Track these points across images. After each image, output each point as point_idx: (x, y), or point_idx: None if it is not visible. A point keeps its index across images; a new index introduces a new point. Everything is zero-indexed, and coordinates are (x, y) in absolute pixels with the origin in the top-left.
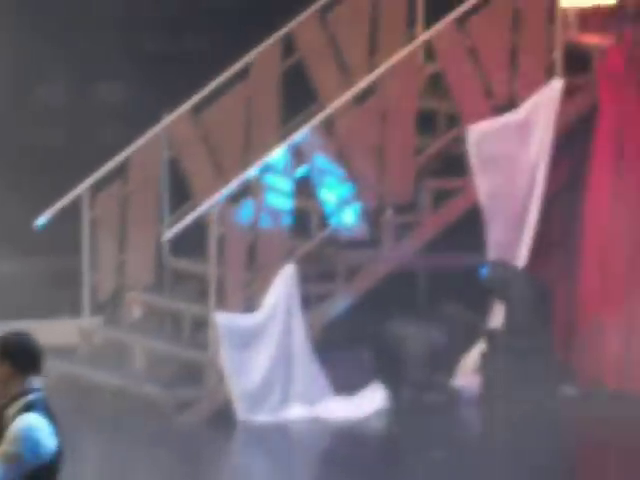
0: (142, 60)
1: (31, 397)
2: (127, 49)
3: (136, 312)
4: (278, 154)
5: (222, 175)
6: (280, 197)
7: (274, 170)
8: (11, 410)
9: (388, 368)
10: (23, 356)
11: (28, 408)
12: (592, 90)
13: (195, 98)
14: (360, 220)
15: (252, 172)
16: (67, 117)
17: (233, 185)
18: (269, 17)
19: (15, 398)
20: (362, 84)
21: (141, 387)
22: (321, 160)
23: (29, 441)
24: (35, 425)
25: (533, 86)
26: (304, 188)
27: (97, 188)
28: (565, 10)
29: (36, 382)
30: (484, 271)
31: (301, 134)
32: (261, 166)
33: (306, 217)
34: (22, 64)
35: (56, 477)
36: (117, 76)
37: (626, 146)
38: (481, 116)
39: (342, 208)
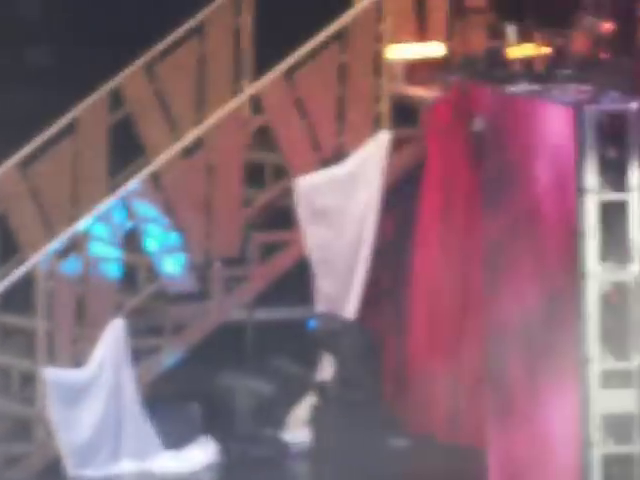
0: None
1: None
2: None
3: None
4: (106, 207)
5: (50, 229)
6: (108, 250)
7: (102, 223)
8: None
9: (217, 422)
10: None
11: None
12: (420, 142)
13: (22, 152)
14: (188, 273)
15: (80, 226)
16: None
17: (61, 239)
18: (96, 70)
19: None
20: (189, 137)
21: None
22: (149, 213)
23: None
24: None
25: (360, 139)
26: (132, 241)
27: None
28: (392, 62)
29: None
30: (313, 323)
31: (129, 187)
32: (89, 219)
33: (135, 271)
34: None
35: None
36: None
37: (453, 197)
38: (309, 169)
39: (170, 261)
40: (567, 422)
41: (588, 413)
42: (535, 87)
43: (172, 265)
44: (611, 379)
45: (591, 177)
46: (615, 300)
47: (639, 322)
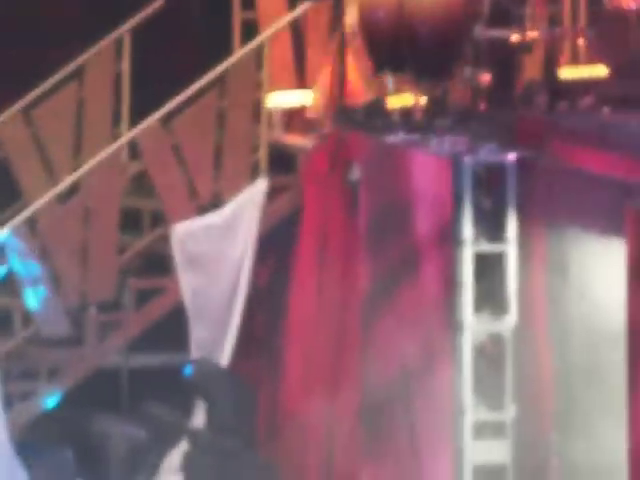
0: None
1: None
2: None
3: None
4: None
5: None
6: None
7: None
8: None
9: (91, 467)
10: None
11: None
12: (297, 189)
13: None
14: (62, 317)
15: None
16: None
17: None
18: None
19: None
20: (65, 182)
21: None
22: (24, 257)
23: None
24: None
25: (238, 186)
26: (7, 286)
27: None
28: (270, 110)
29: None
30: (187, 370)
31: (3, 232)
32: None
33: (8, 315)
34: None
35: None
36: None
37: (328, 244)
38: (186, 215)
39: (44, 305)
40: (441, 472)
41: (462, 464)
42: (413, 137)
43: (46, 309)
44: (485, 430)
45: (467, 228)
46: (490, 350)
47: (513, 373)
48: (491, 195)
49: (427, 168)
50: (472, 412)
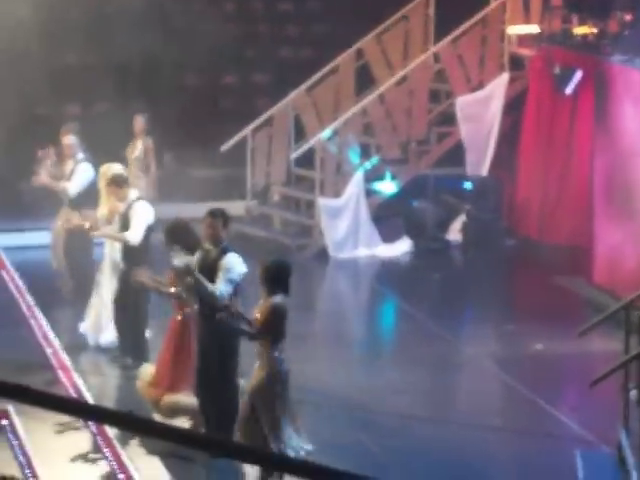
0: None
1: (225, 244)
2: None
3: (276, 197)
4: (351, 114)
5: (322, 123)
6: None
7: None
8: (214, 252)
9: (413, 228)
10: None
11: (227, 250)
12: (525, 78)
13: (309, 79)
14: (397, 147)
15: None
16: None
17: (329, 127)
18: (350, 38)
19: (218, 244)
20: (400, 74)
21: (278, 238)
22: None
23: (236, 267)
24: (236, 258)
25: (492, 76)
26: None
27: (256, 130)
28: (510, 35)
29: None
30: (464, 180)
31: (365, 102)
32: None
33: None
34: None
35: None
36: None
37: (542, 110)
38: (464, 92)
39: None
40: None
41: None
42: (593, 50)
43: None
44: None
45: None
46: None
47: None
48: None
49: (616, 73)
50: None
